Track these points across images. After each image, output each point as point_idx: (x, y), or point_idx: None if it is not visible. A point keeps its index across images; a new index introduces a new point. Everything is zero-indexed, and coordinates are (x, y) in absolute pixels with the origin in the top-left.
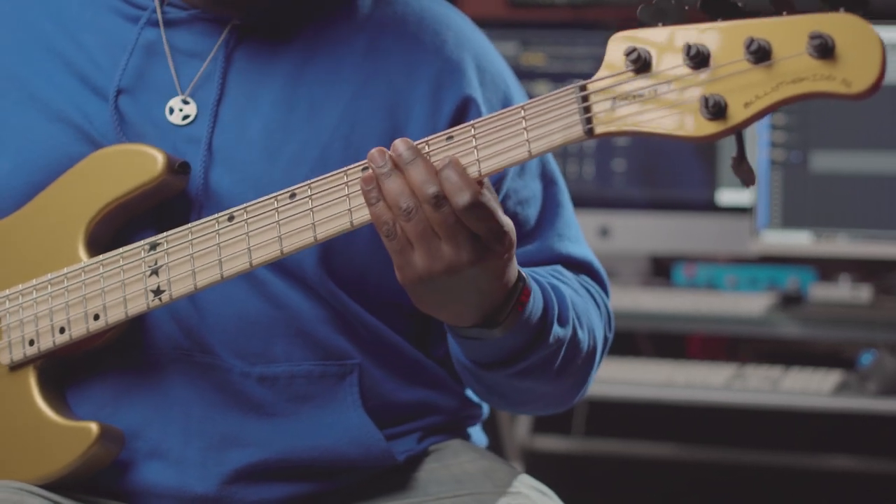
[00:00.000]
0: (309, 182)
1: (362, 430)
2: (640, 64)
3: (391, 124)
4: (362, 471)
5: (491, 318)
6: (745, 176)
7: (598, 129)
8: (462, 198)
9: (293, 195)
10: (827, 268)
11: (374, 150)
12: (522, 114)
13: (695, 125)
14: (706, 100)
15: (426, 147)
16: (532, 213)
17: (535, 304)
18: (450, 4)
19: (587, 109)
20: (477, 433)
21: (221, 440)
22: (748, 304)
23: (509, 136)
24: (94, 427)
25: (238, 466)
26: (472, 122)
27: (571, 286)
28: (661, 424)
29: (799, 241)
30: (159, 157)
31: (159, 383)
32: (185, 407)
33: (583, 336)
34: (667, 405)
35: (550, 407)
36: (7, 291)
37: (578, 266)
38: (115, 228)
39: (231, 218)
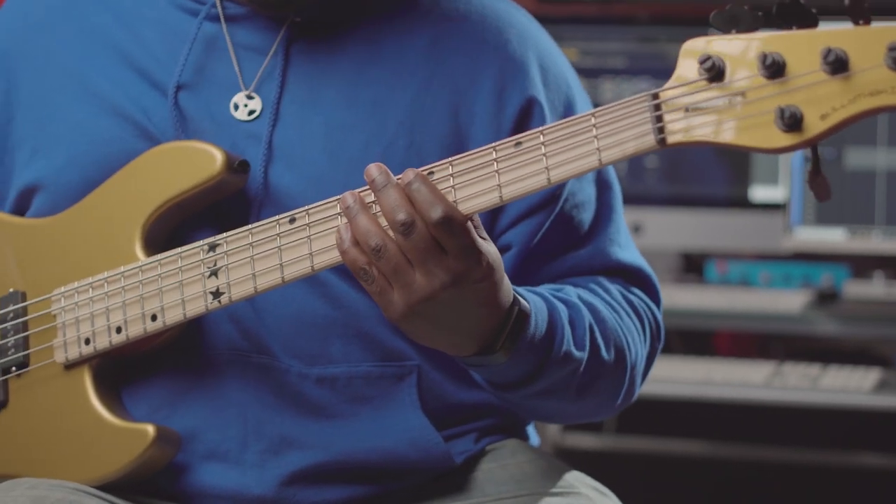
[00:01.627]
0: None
1: (422, 432)
2: (714, 73)
3: (454, 124)
4: (421, 472)
5: (489, 345)
6: (821, 190)
7: (671, 139)
8: (435, 211)
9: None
10: (860, 265)
11: (346, 193)
12: (593, 121)
13: (770, 137)
14: (782, 111)
15: (493, 153)
16: (586, 217)
17: (538, 327)
18: (511, 2)
19: (659, 118)
20: (531, 432)
21: (280, 442)
22: (785, 301)
23: (579, 143)
24: (150, 429)
25: (296, 468)
26: (540, 128)
27: (606, 301)
28: (694, 422)
29: (833, 237)
30: (218, 156)
31: (216, 385)
32: (243, 408)
33: (608, 356)
34: (701, 403)
35: (584, 419)
36: (63, 288)
37: (629, 272)
38: (172, 226)
39: (292, 220)
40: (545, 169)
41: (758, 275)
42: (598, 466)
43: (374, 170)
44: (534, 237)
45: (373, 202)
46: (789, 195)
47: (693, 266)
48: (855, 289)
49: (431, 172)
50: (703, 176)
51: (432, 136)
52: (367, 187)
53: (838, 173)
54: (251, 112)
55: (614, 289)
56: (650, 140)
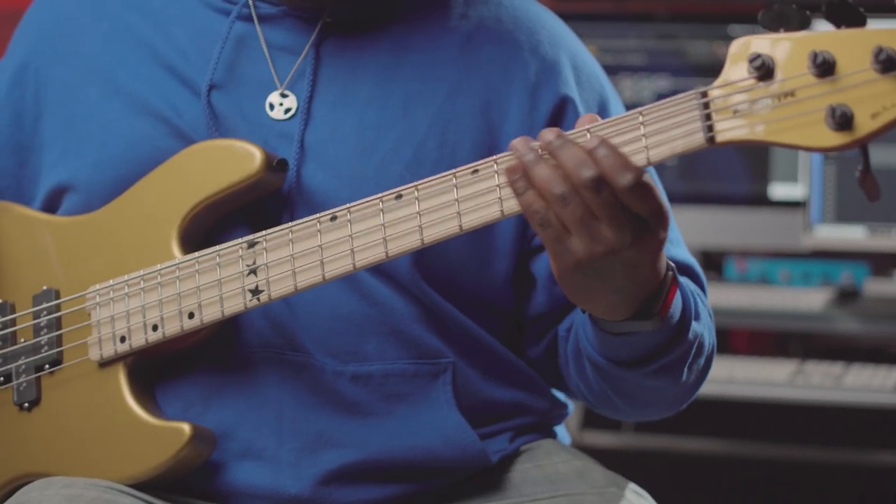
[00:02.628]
0: (416, 184)
1: (458, 431)
2: (764, 71)
3: (486, 123)
4: (456, 471)
5: (645, 310)
6: (871, 190)
7: (720, 138)
8: (624, 178)
9: (399, 196)
10: (880, 262)
11: (516, 140)
12: (640, 119)
13: (820, 136)
14: (833, 110)
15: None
16: None
17: (677, 298)
18: (541, 4)
19: (708, 117)
20: (561, 432)
21: (316, 440)
22: (806, 299)
23: (627, 142)
24: (186, 428)
25: (333, 467)
26: (587, 126)
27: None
28: (714, 421)
29: (853, 235)
30: (258, 154)
31: (251, 382)
32: (278, 406)
33: (706, 334)
34: (720, 401)
35: (666, 411)
36: (97, 286)
37: (681, 270)
38: (208, 225)
39: (334, 218)
40: None
41: (777, 273)
42: (616, 465)
43: (547, 132)
44: None
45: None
46: (809, 193)
47: (712, 264)
48: (875, 287)
49: (476, 170)
50: (722, 173)
51: (464, 135)
52: (402, 189)
53: None
54: (287, 110)
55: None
56: (699, 138)
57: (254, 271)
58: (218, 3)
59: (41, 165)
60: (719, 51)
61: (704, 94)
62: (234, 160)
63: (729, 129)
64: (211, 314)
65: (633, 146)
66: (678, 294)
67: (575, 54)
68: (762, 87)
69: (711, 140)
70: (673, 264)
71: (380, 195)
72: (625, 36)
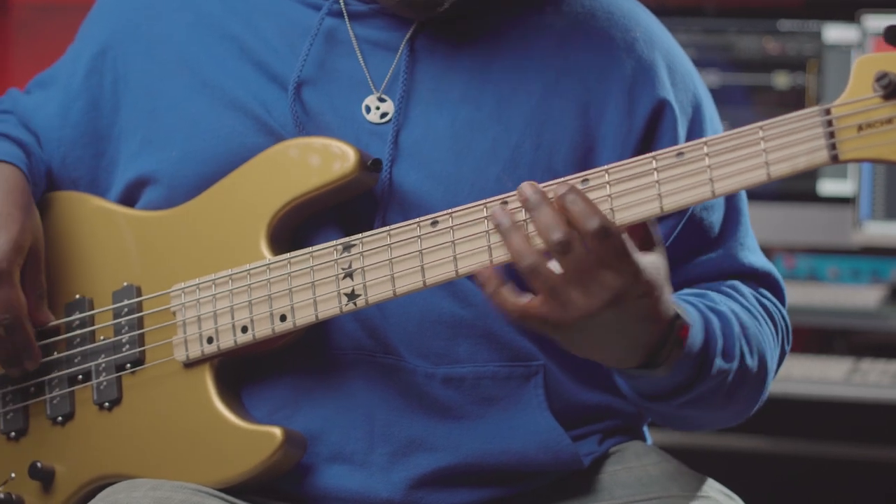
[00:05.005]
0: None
1: (550, 434)
2: (891, 90)
3: (583, 124)
4: (548, 475)
5: (652, 358)
6: None
7: (844, 156)
8: (591, 222)
9: (505, 203)
10: None
11: (496, 208)
12: (761, 134)
13: None
14: None
15: (653, 162)
16: (716, 219)
17: (695, 338)
18: None
19: (832, 134)
20: (646, 433)
21: (408, 444)
22: (857, 296)
23: (746, 156)
24: (277, 432)
25: (425, 471)
26: (704, 139)
27: (745, 306)
28: (767, 418)
29: None
30: (352, 154)
31: (341, 385)
32: (369, 409)
33: (752, 363)
34: (776, 399)
35: (718, 426)
36: (182, 284)
37: (759, 276)
38: (296, 225)
39: (434, 223)
40: (709, 181)
41: (826, 269)
42: None
43: (527, 188)
44: (665, 242)
45: (525, 220)
46: (858, 189)
47: None
48: None
49: (587, 179)
50: None
51: (561, 136)
52: (507, 196)
53: None
54: (383, 115)
55: (749, 293)
56: (823, 155)
57: (350, 275)
58: None
59: (119, 156)
60: (768, 46)
61: (828, 111)
62: (328, 159)
63: (854, 149)
64: (304, 317)
65: (754, 161)
66: (691, 338)
67: (669, 52)
68: (889, 105)
69: (835, 158)
70: (682, 308)
71: (483, 201)
72: (672, 30)
